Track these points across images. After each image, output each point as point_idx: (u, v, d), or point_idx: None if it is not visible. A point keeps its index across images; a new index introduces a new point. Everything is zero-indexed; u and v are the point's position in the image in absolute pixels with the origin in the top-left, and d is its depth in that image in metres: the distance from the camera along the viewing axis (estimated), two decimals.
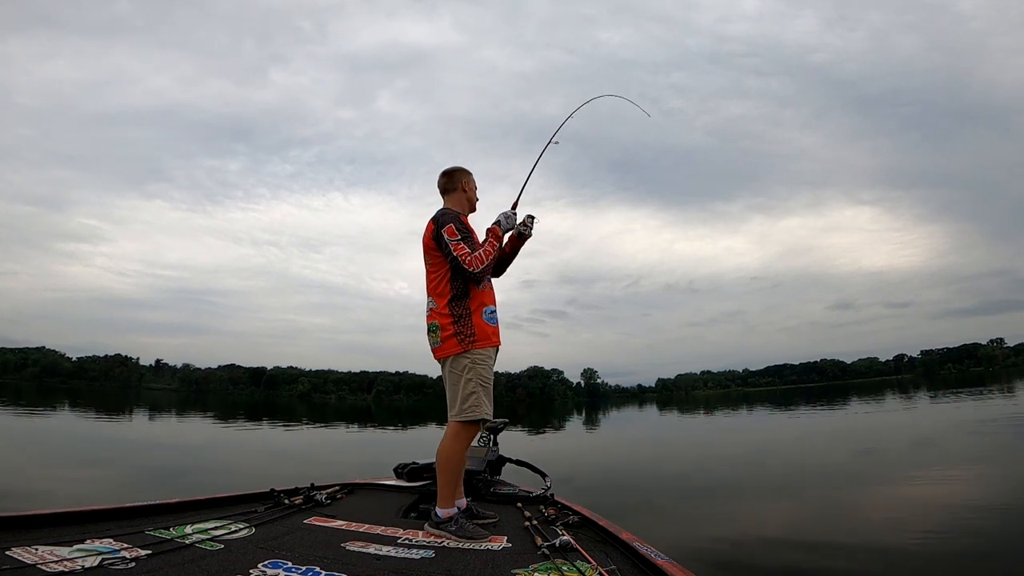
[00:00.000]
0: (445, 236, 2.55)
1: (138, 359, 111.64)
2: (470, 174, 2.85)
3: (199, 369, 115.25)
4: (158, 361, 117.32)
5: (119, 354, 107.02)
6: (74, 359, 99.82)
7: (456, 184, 2.79)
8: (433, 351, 2.65)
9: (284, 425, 21.69)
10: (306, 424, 22.91)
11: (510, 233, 2.77)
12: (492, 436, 3.60)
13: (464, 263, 2.49)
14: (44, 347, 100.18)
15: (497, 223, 2.71)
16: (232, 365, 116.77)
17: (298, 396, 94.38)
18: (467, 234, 2.62)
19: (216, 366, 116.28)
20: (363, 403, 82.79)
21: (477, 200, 2.87)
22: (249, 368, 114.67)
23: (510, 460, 3.69)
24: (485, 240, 2.66)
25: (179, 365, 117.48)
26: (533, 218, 2.81)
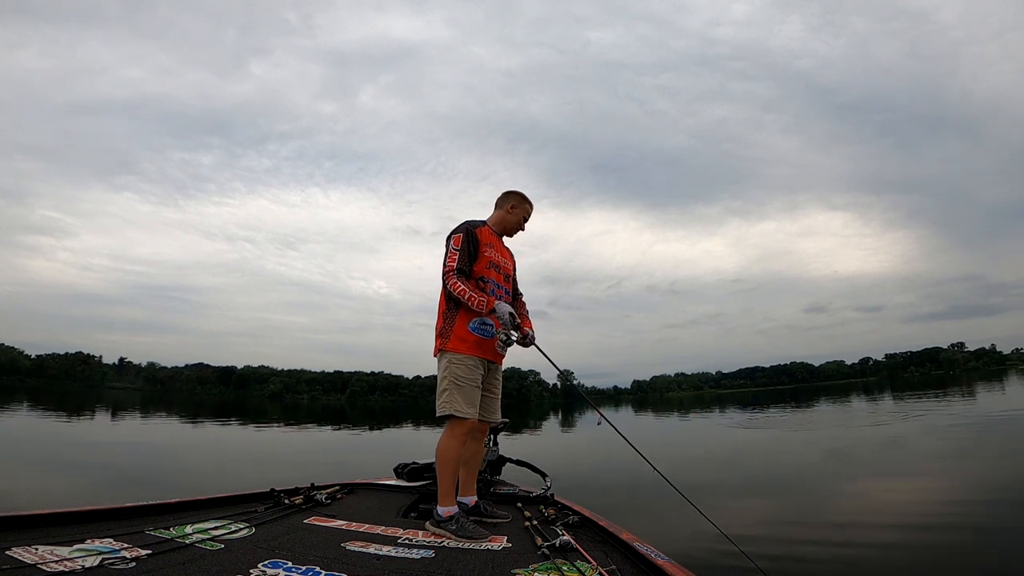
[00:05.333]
0: (450, 242, 2.68)
1: (100, 357, 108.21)
2: (525, 203, 2.91)
3: (165, 368, 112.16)
4: (121, 359, 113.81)
5: (80, 352, 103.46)
6: (33, 356, 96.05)
7: (504, 204, 2.90)
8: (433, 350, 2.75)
9: (256, 425, 21.21)
10: (277, 425, 22.43)
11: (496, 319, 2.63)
12: (492, 436, 3.61)
13: (444, 272, 2.62)
14: (2, 344, 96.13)
15: (495, 308, 2.56)
16: (200, 364, 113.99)
17: (269, 396, 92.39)
18: (472, 248, 2.67)
19: (183, 365, 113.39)
20: (336, 403, 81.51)
21: (520, 230, 2.94)
22: (218, 367, 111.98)
23: (510, 460, 3.72)
24: (479, 293, 2.58)
25: (143, 363, 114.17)
26: (507, 344, 2.64)
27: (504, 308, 2.58)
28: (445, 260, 2.64)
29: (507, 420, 3.15)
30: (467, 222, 2.77)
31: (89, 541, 1.84)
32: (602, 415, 3.09)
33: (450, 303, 2.65)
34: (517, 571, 1.88)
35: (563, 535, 2.25)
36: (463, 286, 2.57)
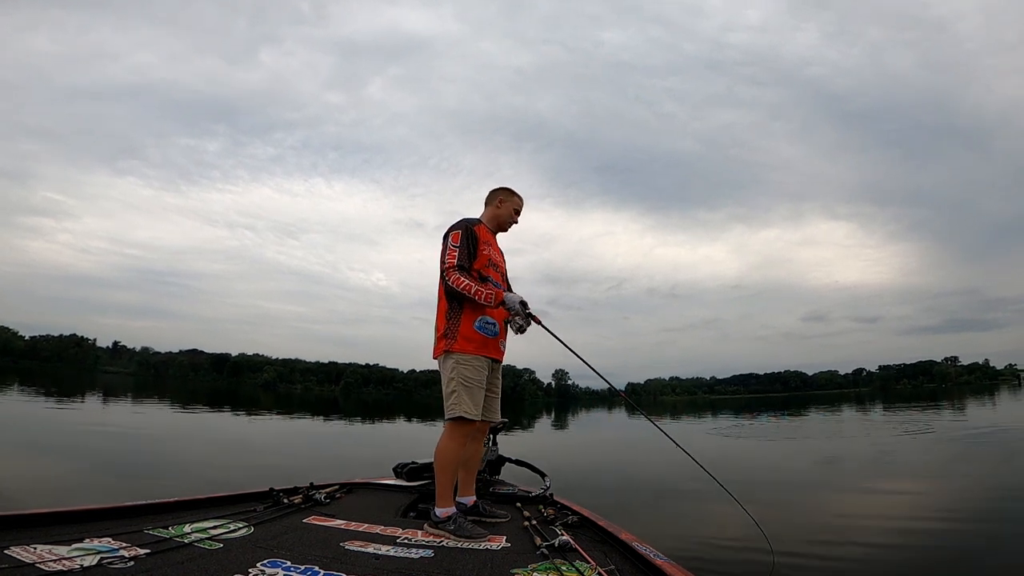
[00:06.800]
0: (448, 239, 2.65)
1: (95, 340, 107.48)
2: (513, 196, 2.91)
3: (159, 353, 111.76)
4: (116, 343, 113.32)
5: (75, 334, 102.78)
6: (27, 338, 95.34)
7: (492, 199, 2.90)
8: (432, 351, 2.72)
9: (249, 415, 21.15)
10: (270, 415, 22.37)
11: (506, 310, 2.64)
12: (492, 436, 3.61)
13: (444, 267, 2.57)
14: None
15: (504, 299, 2.56)
16: (194, 350, 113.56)
17: (262, 385, 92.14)
18: (471, 244, 2.65)
19: (177, 351, 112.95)
20: (330, 394, 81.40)
21: (513, 223, 2.93)
22: (212, 354, 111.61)
23: (509, 460, 3.71)
24: (486, 285, 2.59)
25: (138, 348, 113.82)
26: (522, 330, 2.68)
27: (513, 298, 2.58)
28: (444, 257, 2.60)
29: (506, 420, 3.15)
30: (465, 220, 2.76)
31: (87, 540, 1.83)
32: (624, 395, 3.05)
33: (452, 303, 2.62)
34: (516, 571, 1.87)
35: (562, 535, 2.25)
36: (467, 280, 2.55)
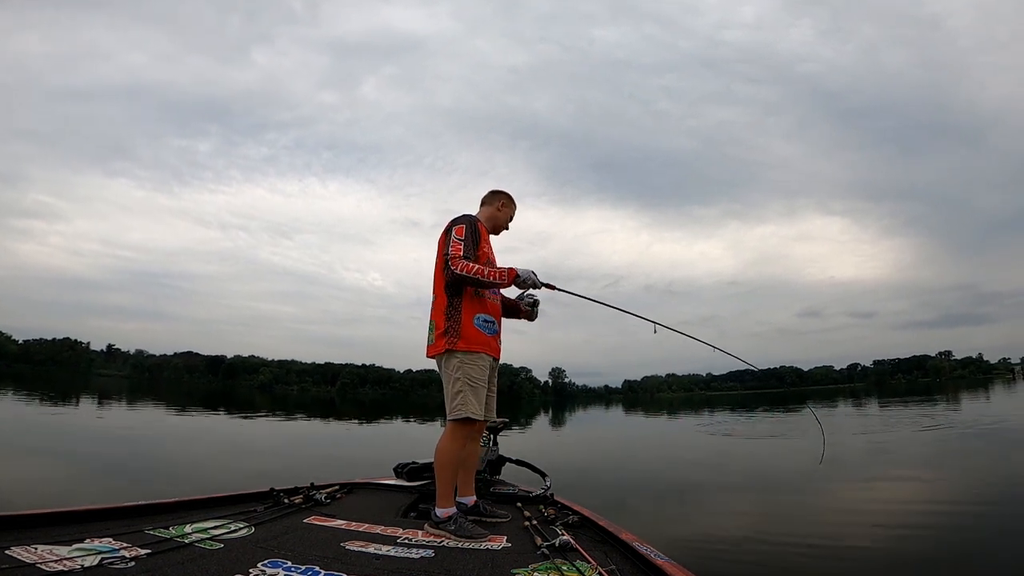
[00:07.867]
0: (452, 232, 2.63)
1: (88, 343, 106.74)
2: (512, 204, 2.97)
3: (153, 356, 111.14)
4: (109, 346, 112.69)
5: (68, 338, 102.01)
6: (20, 342, 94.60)
7: (493, 201, 2.93)
8: (427, 349, 2.70)
9: (245, 417, 21.08)
10: (265, 416, 22.29)
11: (519, 290, 2.75)
12: (492, 436, 3.61)
13: (451, 258, 2.55)
14: None
15: (519, 273, 2.63)
16: (189, 352, 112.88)
17: (258, 387, 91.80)
18: (475, 240, 2.65)
19: (172, 353, 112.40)
20: (326, 395, 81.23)
21: (505, 229, 2.99)
22: (207, 356, 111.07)
23: (510, 460, 3.71)
24: (495, 267, 2.66)
25: (132, 351, 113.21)
26: (536, 303, 2.85)
27: (527, 271, 2.63)
28: (448, 248, 2.57)
29: (506, 420, 3.15)
30: (467, 215, 2.76)
31: (88, 540, 1.83)
32: (656, 323, 3.09)
33: (452, 299, 2.60)
34: (517, 571, 1.88)
35: (563, 535, 2.25)
36: (476, 265, 2.56)
